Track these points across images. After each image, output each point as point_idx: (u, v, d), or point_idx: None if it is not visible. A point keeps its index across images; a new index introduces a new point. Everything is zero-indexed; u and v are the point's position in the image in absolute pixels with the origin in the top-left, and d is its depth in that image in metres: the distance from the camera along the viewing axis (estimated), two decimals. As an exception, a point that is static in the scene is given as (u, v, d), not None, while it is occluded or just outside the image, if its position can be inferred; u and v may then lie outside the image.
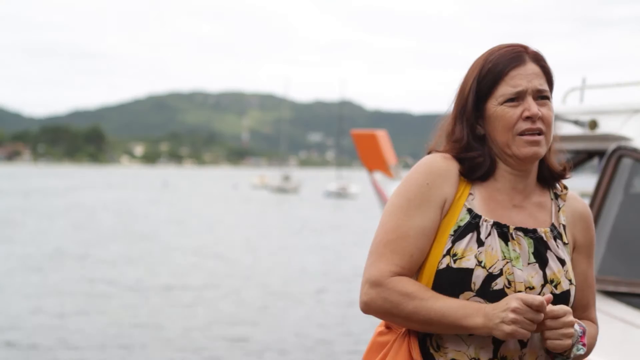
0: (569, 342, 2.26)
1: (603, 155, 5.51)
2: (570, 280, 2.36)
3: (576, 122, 5.43)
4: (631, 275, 4.93)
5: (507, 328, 2.19)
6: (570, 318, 2.26)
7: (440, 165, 2.36)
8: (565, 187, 2.48)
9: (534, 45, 2.41)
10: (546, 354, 2.33)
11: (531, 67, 2.35)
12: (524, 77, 2.33)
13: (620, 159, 5.14)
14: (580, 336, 2.31)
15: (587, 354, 2.36)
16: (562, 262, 2.36)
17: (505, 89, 2.33)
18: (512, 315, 2.18)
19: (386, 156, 9.77)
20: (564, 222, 2.43)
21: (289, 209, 60.30)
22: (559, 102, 6.03)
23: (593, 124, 5.35)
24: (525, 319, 2.19)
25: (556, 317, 2.24)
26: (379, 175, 10.21)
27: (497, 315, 2.20)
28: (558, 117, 5.51)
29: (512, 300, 2.20)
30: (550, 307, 2.24)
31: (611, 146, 5.19)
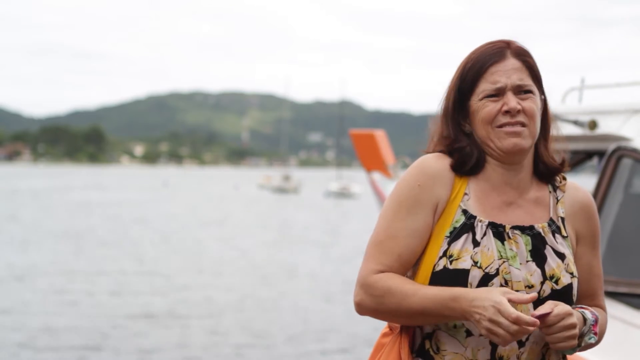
0: (573, 342, 2.26)
1: (603, 155, 5.50)
2: (571, 274, 2.35)
3: (575, 122, 5.42)
4: (631, 275, 4.92)
5: (482, 331, 2.21)
6: (572, 320, 2.24)
7: (431, 165, 2.37)
8: (564, 178, 2.47)
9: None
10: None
11: (511, 63, 2.36)
12: (503, 74, 2.34)
13: (620, 159, 5.13)
14: (593, 325, 2.32)
15: (598, 341, 2.36)
16: (562, 257, 2.35)
17: (485, 86, 2.35)
18: (486, 324, 2.18)
19: (384, 156, 9.74)
20: (562, 215, 2.42)
21: (291, 209, 60.26)
22: (558, 102, 6.01)
23: (592, 124, 5.34)
24: (501, 330, 2.17)
25: (555, 322, 2.23)
26: (377, 175, 10.19)
27: (474, 313, 2.20)
28: (557, 117, 5.49)
29: (489, 308, 2.18)
30: (552, 312, 2.22)
31: (611, 146, 5.18)
